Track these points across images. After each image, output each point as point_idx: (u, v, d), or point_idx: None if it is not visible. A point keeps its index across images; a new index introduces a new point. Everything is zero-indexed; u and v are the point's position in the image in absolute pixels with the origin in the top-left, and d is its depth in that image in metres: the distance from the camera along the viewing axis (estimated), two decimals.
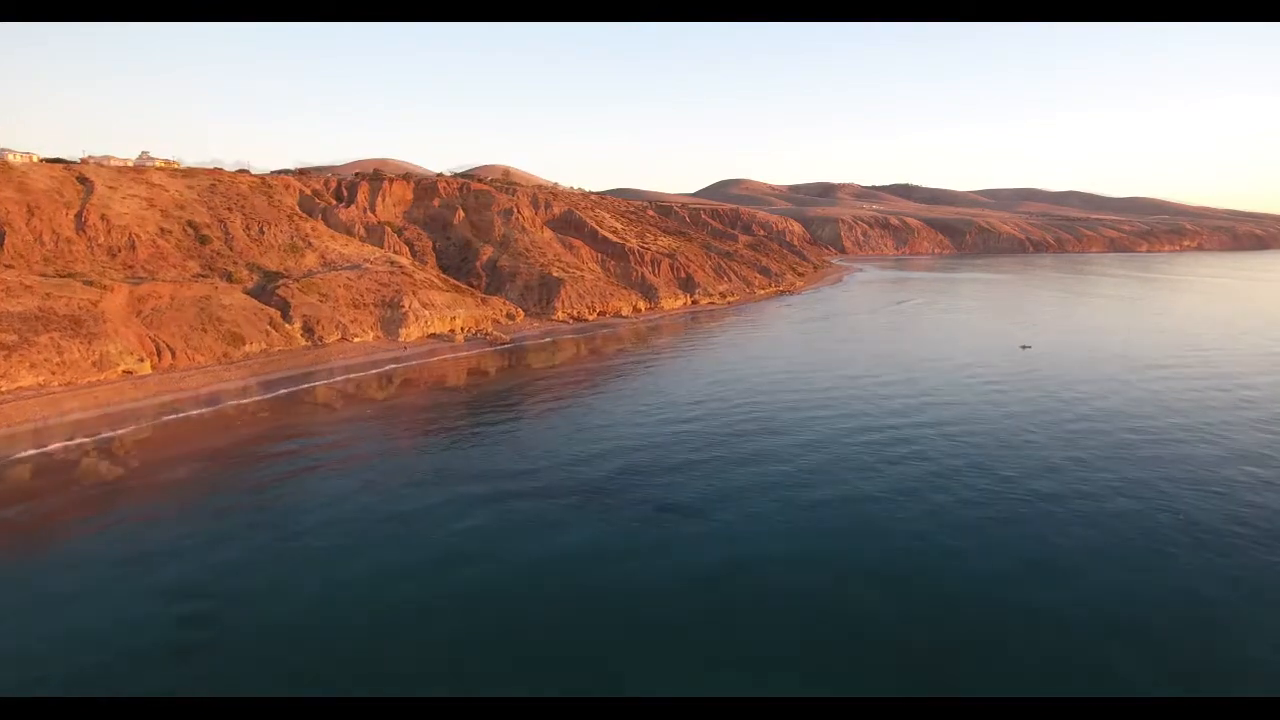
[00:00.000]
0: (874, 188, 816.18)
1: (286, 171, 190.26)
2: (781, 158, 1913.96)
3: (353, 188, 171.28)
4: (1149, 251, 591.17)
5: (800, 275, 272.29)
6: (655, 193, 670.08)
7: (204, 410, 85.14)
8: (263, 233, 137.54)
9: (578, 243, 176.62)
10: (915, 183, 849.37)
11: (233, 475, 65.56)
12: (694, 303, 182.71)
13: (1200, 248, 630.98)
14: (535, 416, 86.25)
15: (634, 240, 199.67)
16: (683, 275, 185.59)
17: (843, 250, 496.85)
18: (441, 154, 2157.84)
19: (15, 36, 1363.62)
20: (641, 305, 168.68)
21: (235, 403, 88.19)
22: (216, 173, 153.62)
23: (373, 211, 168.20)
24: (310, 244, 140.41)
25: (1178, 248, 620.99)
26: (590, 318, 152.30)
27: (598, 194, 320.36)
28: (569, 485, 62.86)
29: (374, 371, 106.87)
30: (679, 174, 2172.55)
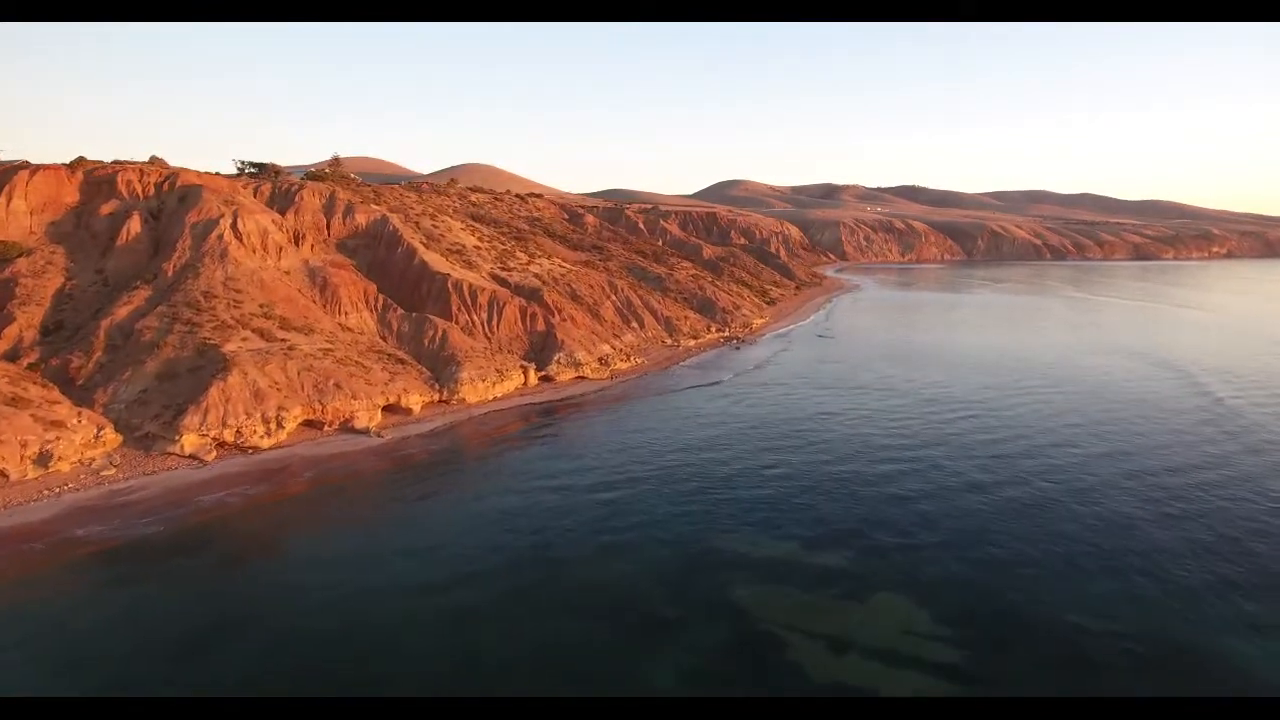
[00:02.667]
0: (879, 189, 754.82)
1: None
2: (785, 160, 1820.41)
3: None
4: (1176, 259, 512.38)
5: (771, 303, 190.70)
6: (650, 194, 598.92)
7: None
8: None
9: (346, 279, 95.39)
10: (922, 184, 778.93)
11: None
12: (546, 379, 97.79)
13: (1231, 255, 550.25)
14: None
15: (486, 265, 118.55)
16: (538, 329, 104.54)
17: (844, 256, 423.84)
18: (431, 155, 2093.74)
19: None
20: (415, 398, 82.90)
21: None
22: None
23: None
24: None
25: (1207, 255, 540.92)
26: (263, 443, 69.18)
27: (534, 195, 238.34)
28: None
29: None
30: (680, 176, 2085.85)
